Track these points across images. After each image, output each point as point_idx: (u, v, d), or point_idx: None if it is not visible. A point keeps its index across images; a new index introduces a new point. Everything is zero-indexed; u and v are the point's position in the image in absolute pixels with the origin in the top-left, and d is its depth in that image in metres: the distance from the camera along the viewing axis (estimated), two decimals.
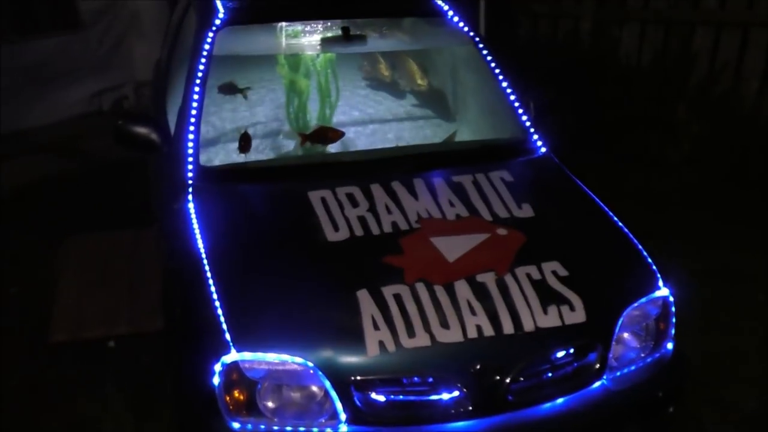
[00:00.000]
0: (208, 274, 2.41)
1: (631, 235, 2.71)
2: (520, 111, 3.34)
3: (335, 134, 3.22)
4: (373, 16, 3.55)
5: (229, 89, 3.59)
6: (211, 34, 3.24)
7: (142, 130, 3.07)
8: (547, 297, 2.37)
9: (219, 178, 2.93)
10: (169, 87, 3.90)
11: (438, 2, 3.59)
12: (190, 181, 2.89)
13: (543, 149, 3.24)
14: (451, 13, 3.53)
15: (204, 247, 2.52)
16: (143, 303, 3.79)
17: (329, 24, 3.49)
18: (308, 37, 3.49)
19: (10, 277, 4.21)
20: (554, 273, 2.45)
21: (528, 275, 2.43)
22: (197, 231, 2.61)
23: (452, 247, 2.52)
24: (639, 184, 5.32)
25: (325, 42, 3.41)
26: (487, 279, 2.40)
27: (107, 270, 4.16)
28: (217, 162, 3.22)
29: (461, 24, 3.52)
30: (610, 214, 2.83)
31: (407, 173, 2.93)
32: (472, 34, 3.52)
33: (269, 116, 3.80)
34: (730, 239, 4.57)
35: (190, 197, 2.80)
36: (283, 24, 3.44)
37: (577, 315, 2.34)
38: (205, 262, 2.46)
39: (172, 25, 4.46)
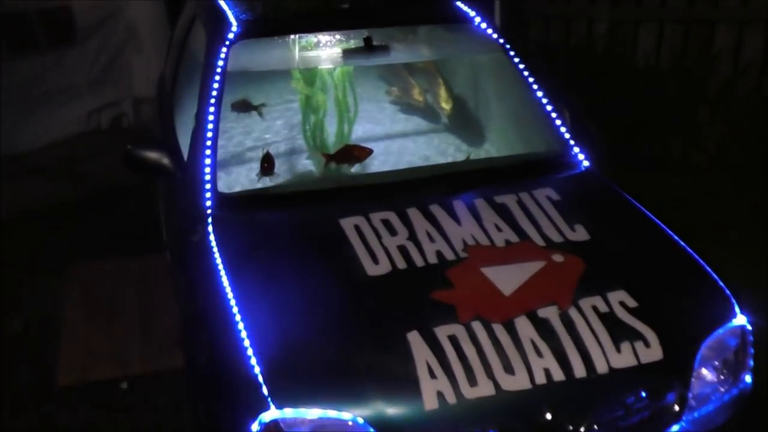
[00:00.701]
0: (238, 318, 2.17)
1: (698, 257, 2.47)
2: (558, 122, 3.11)
3: (362, 152, 2.98)
4: (394, 25, 3.30)
5: (243, 107, 3.35)
6: (224, 49, 2.99)
7: (153, 154, 2.82)
8: (619, 332, 2.13)
9: (240, 205, 2.68)
10: (177, 105, 3.66)
11: (462, 7, 3.35)
12: (209, 210, 2.64)
13: (585, 163, 3.00)
14: (477, 19, 3.30)
15: (231, 287, 2.27)
16: (156, 339, 3.55)
17: (348, 34, 3.25)
18: (327, 49, 3.25)
19: (12, 310, 3.95)
20: (622, 304, 2.21)
21: (594, 308, 2.19)
22: (221, 267, 2.36)
23: (506, 278, 2.28)
24: (664, 188, 5.08)
25: (347, 53, 3.16)
26: (550, 314, 2.16)
27: (115, 301, 3.90)
28: (237, 188, 2.97)
29: (489, 30, 3.28)
30: (671, 233, 2.59)
31: (444, 194, 2.69)
32: (501, 40, 3.28)
33: (286, 135, 3.56)
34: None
35: (209, 228, 2.55)
36: (299, 36, 3.20)
37: (653, 352, 2.10)
38: (233, 303, 2.21)
39: (176, 38, 4.22)
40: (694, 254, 2.49)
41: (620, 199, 2.77)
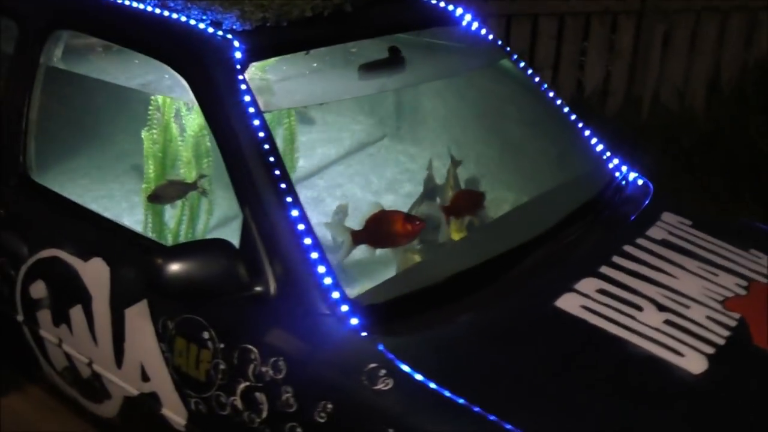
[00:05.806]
0: None
1: None
2: (587, 132, 2.68)
3: (479, 198, 2.27)
4: (394, 32, 2.49)
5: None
6: (240, 77, 1.93)
7: (210, 267, 1.68)
8: None
9: (396, 316, 1.73)
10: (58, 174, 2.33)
11: (454, 9, 2.68)
12: (364, 334, 1.65)
13: (632, 176, 2.62)
14: (468, 17, 2.68)
15: None
16: None
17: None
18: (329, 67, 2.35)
19: None
20: None
21: None
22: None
23: None
24: None
25: (367, 70, 2.27)
26: None
27: None
28: (368, 284, 1.92)
29: (484, 32, 2.70)
30: None
31: (603, 242, 2.14)
32: (500, 43, 2.73)
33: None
34: None
35: (398, 363, 1.58)
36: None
37: None
38: None
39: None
40: None
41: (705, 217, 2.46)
